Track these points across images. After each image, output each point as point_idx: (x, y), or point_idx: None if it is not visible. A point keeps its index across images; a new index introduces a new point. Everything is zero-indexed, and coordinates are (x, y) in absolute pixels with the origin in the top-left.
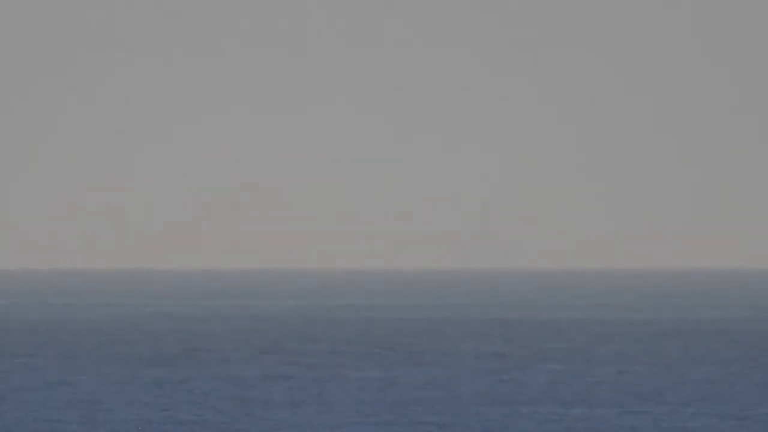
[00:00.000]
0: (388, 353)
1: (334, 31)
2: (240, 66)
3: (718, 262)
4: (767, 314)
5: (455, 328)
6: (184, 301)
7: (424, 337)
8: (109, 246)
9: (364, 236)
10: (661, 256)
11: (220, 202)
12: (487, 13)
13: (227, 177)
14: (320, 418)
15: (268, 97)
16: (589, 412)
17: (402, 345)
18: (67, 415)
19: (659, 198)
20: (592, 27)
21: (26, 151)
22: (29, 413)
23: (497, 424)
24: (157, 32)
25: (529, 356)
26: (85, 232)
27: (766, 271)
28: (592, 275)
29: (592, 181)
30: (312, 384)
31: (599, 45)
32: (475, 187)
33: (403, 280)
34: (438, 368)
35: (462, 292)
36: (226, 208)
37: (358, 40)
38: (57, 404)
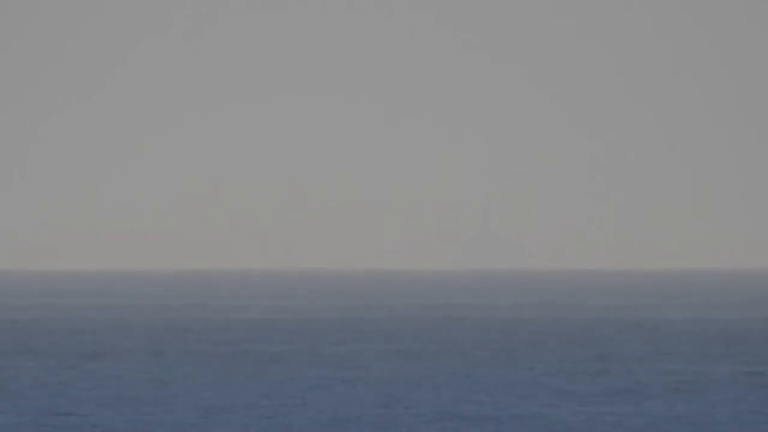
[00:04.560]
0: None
1: (336, 30)
2: (241, 64)
3: (717, 262)
4: None
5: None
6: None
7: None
8: (109, 246)
9: (365, 236)
10: (660, 256)
11: (219, 201)
12: (489, 12)
13: (227, 176)
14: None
15: (269, 96)
16: None
17: None
18: None
19: (659, 198)
20: (593, 27)
21: (22, 151)
22: None
23: None
24: (157, 31)
25: None
26: (84, 232)
27: (766, 270)
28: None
29: (593, 181)
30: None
31: (602, 44)
32: (476, 186)
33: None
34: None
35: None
36: (226, 207)
37: (359, 40)
38: None
